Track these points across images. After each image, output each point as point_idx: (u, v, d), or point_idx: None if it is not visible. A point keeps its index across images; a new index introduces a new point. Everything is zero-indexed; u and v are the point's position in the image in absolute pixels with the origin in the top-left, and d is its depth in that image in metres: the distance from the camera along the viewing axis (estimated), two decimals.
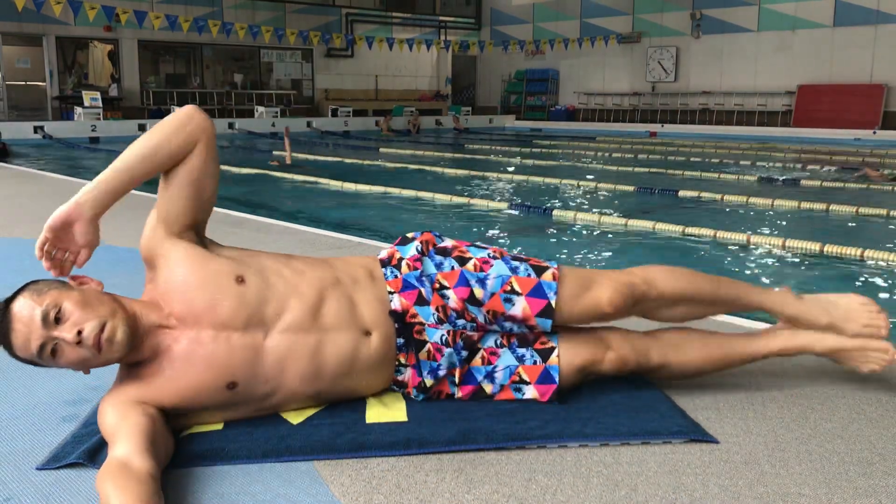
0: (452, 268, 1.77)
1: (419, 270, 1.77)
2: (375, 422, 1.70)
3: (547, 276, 1.75)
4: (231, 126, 17.14)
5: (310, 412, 1.75)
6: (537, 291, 1.74)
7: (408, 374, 1.78)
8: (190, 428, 1.67)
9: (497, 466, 1.53)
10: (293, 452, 1.57)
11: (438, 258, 1.79)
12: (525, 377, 1.77)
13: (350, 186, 7.72)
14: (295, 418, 1.72)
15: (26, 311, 1.48)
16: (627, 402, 1.81)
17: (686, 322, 1.92)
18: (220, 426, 1.69)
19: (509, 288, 1.73)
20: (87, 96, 16.70)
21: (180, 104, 18.91)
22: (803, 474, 1.51)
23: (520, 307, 1.73)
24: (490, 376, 1.78)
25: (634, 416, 1.73)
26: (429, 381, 1.77)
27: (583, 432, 1.65)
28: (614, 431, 1.65)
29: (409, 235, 1.88)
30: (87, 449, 1.56)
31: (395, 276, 1.77)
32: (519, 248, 5.19)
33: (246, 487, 1.45)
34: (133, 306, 1.61)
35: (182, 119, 1.65)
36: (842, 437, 1.68)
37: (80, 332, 1.49)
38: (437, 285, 1.75)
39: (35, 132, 14.33)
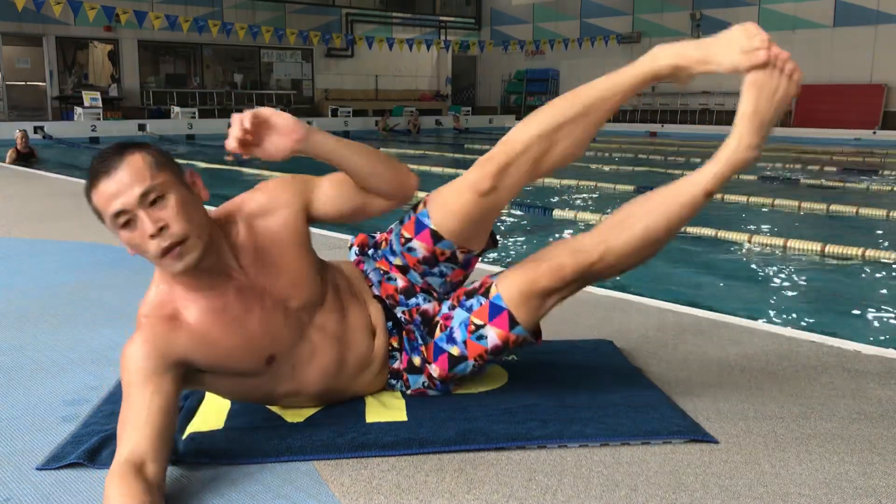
0: (381, 256, 1.84)
1: (364, 272, 1.86)
2: (375, 421, 1.70)
3: (420, 208, 1.75)
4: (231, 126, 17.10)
5: (310, 412, 1.75)
6: (419, 225, 1.73)
7: (400, 360, 1.84)
8: (196, 390, 1.66)
9: (497, 466, 1.53)
10: (293, 452, 1.57)
11: (371, 251, 1.88)
12: (478, 321, 1.74)
13: None
14: (295, 418, 1.72)
15: (134, 174, 1.41)
16: (627, 402, 1.81)
17: (582, 146, 1.75)
18: (220, 426, 1.69)
19: (404, 239, 1.76)
20: (87, 96, 16.71)
21: (180, 104, 18.94)
22: (803, 474, 1.51)
23: (420, 246, 1.74)
24: (451, 339, 1.77)
25: (634, 416, 1.72)
26: (416, 360, 1.82)
27: (583, 432, 1.65)
28: (614, 431, 1.65)
29: (349, 243, 1.96)
30: (87, 449, 1.56)
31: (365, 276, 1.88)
32: (516, 242, 5.19)
33: (246, 487, 1.45)
34: (218, 238, 1.56)
35: (406, 180, 1.71)
36: (842, 437, 1.68)
37: (161, 229, 1.42)
38: (382, 271, 1.83)
39: (35, 132, 14.31)
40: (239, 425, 1.70)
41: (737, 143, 1.69)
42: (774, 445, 1.63)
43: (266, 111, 1.53)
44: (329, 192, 1.70)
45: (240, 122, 1.50)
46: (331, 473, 1.51)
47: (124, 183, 1.40)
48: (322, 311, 1.71)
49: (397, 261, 1.79)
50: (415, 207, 1.78)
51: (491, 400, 1.83)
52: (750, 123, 1.68)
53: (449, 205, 1.71)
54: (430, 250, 1.74)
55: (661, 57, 1.72)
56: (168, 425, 1.44)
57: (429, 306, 1.80)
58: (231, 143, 1.51)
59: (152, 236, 1.42)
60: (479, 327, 1.73)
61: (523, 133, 1.70)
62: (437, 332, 1.79)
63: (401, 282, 1.81)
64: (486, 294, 1.75)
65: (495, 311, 1.72)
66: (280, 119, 1.54)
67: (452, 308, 1.79)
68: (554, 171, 1.77)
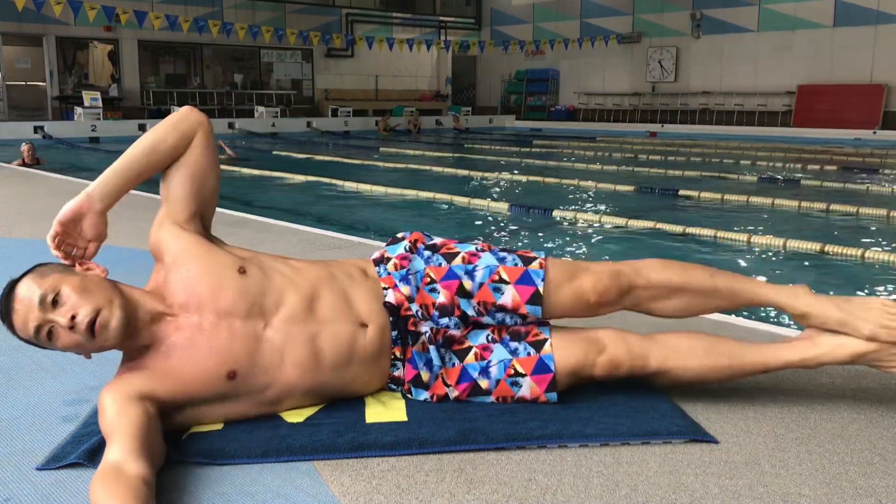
0: (440, 264, 1.80)
1: (405, 269, 1.81)
2: (375, 421, 1.70)
3: (534, 265, 1.78)
4: (231, 126, 17.13)
5: (309, 412, 1.75)
6: (525, 279, 1.76)
7: (403, 370, 1.80)
8: (189, 428, 1.67)
9: (497, 466, 1.53)
10: (293, 452, 1.57)
11: (427, 253, 1.83)
12: (520, 369, 1.76)
13: (350, 186, 7.73)
14: (295, 418, 1.72)
15: (27, 292, 1.54)
16: (627, 402, 1.81)
17: (686, 316, 1.86)
18: (219, 426, 1.69)
19: (497, 277, 1.76)
20: (87, 96, 16.70)
21: (180, 104, 18.92)
22: (803, 474, 1.51)
23: (509, 295, 1.75)
24: (485, 372, 1.77)
25: (634, 416, 1.73)
26: (425, 375, 1.78)
27: (583, 432, 1.65)
28: (614, 431, 1.65)
29: (399, 235, 1.92)
30: (87, 449, 1.56)
31: (388, 274, 1.82)
32: (517, 241, 5.19)
33: (246, 487, 1.45)
34: (133, 294, 1.65)
35: (178, 117, 1.77)
36: (842, 437, 1.68)
37: (73, 318, 1.52)
38: (428, 279, 1.79)
39: (35, 132, 14.33)
40: (239, 425, 1.69)
41: (817, 355, 1.77)
42: (774, 445, 1.63)
43: (55, 222, 1.65)
44: (171, 191, 1.75)
45: (57, 248, 1.65)
46: (331, 473, 1.51)
47: (24, 305, 1.54)
48: (278, 309, 1.68)
49: (468, 284, 1.77)
50: (525, 259, 1.79)
51: (488, 396, 1.83)
52: (843, 357, 1.77)
53: (565, 285, 1.77)
54: (517, 304, 1.76)
55: (801, 303, 1.80)
56: (146, 431, 1.47)
57: (456, 332, 1.79)
58: (75, 264, 1.65)
59: (71, 328, 1.53)
60: (518, 374, 1.76)
61: (655, 273, 1.80)
62: (470, 359, 1.78)
63: (443, 297, 1.77)
64: (536, 346, 1.76)
65: (542, 368, 1.75)
66: (69, 209, 1.66)
67: (493, 341, 1.79)
68: (649, 315, 1.87)
